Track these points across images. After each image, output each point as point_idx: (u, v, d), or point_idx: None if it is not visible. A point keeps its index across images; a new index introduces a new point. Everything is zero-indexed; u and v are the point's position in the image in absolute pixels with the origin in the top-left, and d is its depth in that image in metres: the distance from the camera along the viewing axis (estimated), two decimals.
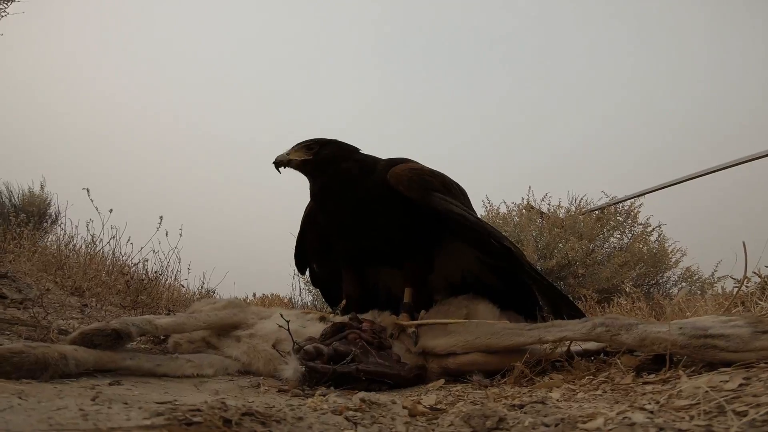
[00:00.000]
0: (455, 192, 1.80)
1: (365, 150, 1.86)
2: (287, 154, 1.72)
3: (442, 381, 1.38)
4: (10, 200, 4.92)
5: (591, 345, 1.35)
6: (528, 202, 5.03)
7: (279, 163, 1.72)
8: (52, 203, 5.06)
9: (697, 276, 4.26)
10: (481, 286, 1.87)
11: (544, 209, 4.92)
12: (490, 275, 1.88)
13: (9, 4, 3.58)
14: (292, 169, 1.76)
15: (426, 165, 1.83)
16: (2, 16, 3.59)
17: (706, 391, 0.65)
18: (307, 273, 2.36)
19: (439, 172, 1.78)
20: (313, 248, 2.11)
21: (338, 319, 1.61)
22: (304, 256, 2.19)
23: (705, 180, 4.58)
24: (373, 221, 1.72)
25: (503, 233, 1.79)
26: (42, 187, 5.14)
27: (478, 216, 1.93)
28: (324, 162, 1.72)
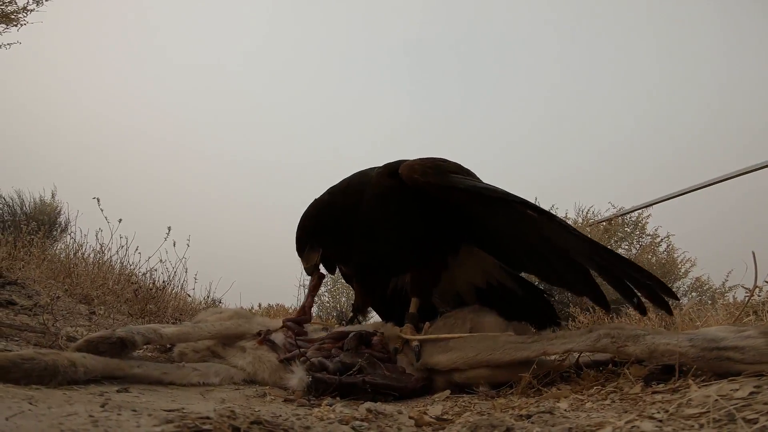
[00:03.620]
0: (474, 175, 1.73)
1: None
2: (307, 264, 1.74)
3: (448, 392, 1.37)
4: (22, 208, 4.99)
5: (600, 355, 1.33)
6: None
7: (313, 274, 1.77)
8: (62, 212, 5.13)
9: (707, 286, 4.22)
10: (504, 291, 1.85)
11: None
12: (511, 280, 1.85)
13: (28, 13, 3.67)
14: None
15: None
16: (22, 25, 3.67)
17: (716, 400, 0.65)
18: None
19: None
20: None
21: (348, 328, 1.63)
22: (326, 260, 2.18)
23: (714, 189, 4.55)
24: (378, 225, 1.71)
25: None
26: (53, 195, 5.22)
27: None
28: (328, 241, 1.75)
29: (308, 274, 1.79)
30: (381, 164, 1.76)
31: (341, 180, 1.82)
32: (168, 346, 1.72)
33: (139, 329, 1.31)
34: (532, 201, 1.62)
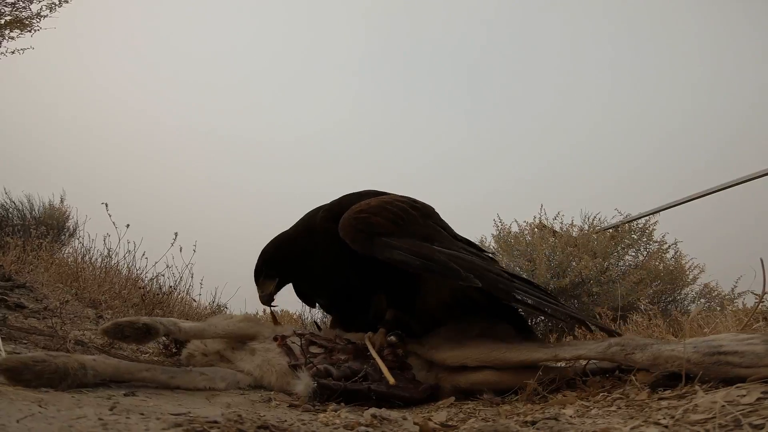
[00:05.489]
0: (409, 220, 1.66)
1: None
2: (262, 293, 1.84)
3: (452, 398, 1.37)
4: (31, 212, 5.04)
5: (607, 363, 1.34)
6: (540, 221, 5.01)
7: (267, 303, 1.87)
8: (70, 216, 5.17)
9: (716, 292, 4.18)
10: (471, 303, 1.74)
11: (557, 228, 4.89)
12: (477, 293, 1.72)
13: (41, 19, 3.73)
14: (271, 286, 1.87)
15: (384, 191, 1.79)
16: (36, 31, 3.74)
17: (723, 406, 0.65)
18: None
19: (391, 202, 1.67)
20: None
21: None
22: (305, 296, 2.24)
23: (723, 194, 4.52)
24: (335, 274, 1.77)
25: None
26: (62, 200, 5.26)
27: (449, 231, 1.82)
28: (284, 271, 1.86)
29: (263, 303, 1.86)
30: (329, 201, 1.80)
31: (300, 218, 1.90)
32: (174, 349, 1.74)
33: (162, 320, 1.37)
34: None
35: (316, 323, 2.14)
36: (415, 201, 1.77)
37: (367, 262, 1.60)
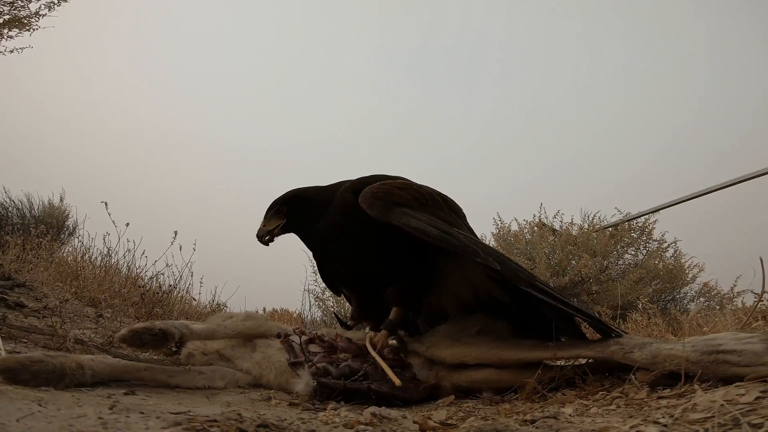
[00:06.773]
0: (434, 205, 1.67)
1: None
2: (264, 226, 1.78)
3: (452, 397, 1.37)
4: (31, 211, 5.04)
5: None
6: (540, 220, 5.01)
7: (263, 239, 1.77)
8: (70, 215, 5.17)
9: (715, 291, 4.19)
10: (496, 304, 1.67)
11: (556, 226, 4.89)
12: (502, 292, 1.65)
13: (40, 18, 3.74)
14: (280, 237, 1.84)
15: (415, 181, 1.74)
16: (34, 30, 3.74)
17: (722, 405, 0.65)
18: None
19: (418, 186, 1.69)
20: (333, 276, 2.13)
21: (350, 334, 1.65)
22: (331, 282, 2.17)
23: (722, 193, 4.52)
24: (346, 249, 1.71)
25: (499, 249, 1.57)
26: (62, 199, 5.26)
27: (474, 235, 1.78)
28: (295, 218, 1.79)
29: (259, 236, 1.76)
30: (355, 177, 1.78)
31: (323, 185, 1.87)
32: (174, 349, 1.74)
33: (175, 324, 1.35)
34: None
35: (336, 315, 2.08)
36: (443, 194, 1.78)
37: (385, 241, 1.62)
